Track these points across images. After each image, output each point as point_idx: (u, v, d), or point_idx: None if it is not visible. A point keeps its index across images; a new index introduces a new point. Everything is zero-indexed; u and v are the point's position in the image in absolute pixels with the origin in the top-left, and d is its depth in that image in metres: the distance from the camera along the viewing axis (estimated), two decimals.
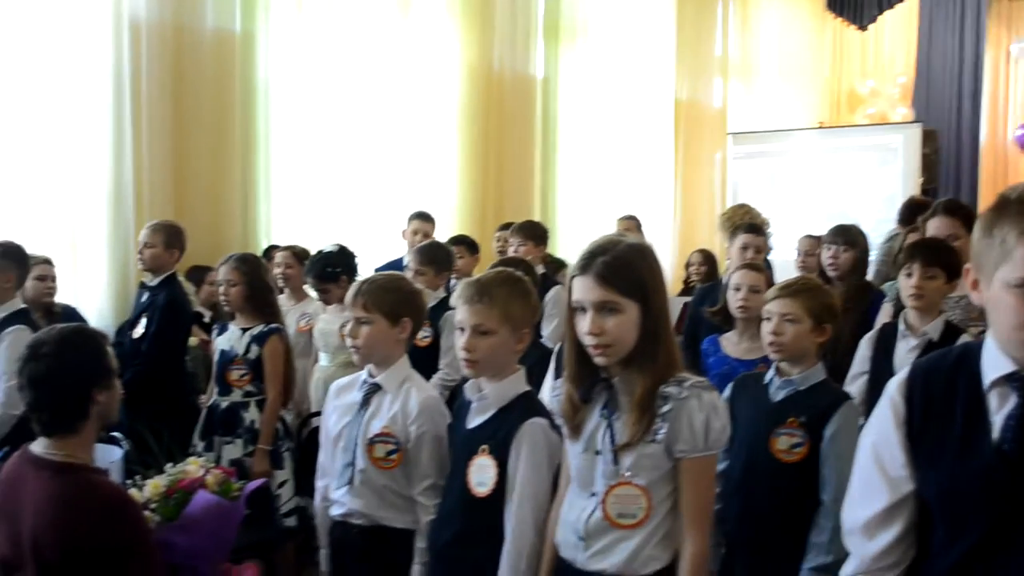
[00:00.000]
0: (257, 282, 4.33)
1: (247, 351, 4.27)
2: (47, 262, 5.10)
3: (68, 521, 2.30)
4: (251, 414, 4.26)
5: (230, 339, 4.35)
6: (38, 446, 2.47)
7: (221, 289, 4.33)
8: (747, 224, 5.00)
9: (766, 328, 2.97)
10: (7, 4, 5.43)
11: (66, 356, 2.44)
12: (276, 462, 4.24)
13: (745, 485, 2.89)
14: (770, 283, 3.53)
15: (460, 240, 6.06)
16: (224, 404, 4.29)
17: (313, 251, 5.35)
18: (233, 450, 4.18)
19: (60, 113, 5.74)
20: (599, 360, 2.11)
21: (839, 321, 3.01)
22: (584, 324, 2.09)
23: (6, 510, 2.45)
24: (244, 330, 4.32)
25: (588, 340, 2.09)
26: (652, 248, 2.21)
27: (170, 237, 4.93)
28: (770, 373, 2.95)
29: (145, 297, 4.93)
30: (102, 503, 2.34)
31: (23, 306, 4.21)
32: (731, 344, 3.74)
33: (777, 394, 2.89)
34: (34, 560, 2.34)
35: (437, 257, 4.90)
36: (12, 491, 2.45)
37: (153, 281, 4.92)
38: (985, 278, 1.66)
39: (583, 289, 2.10)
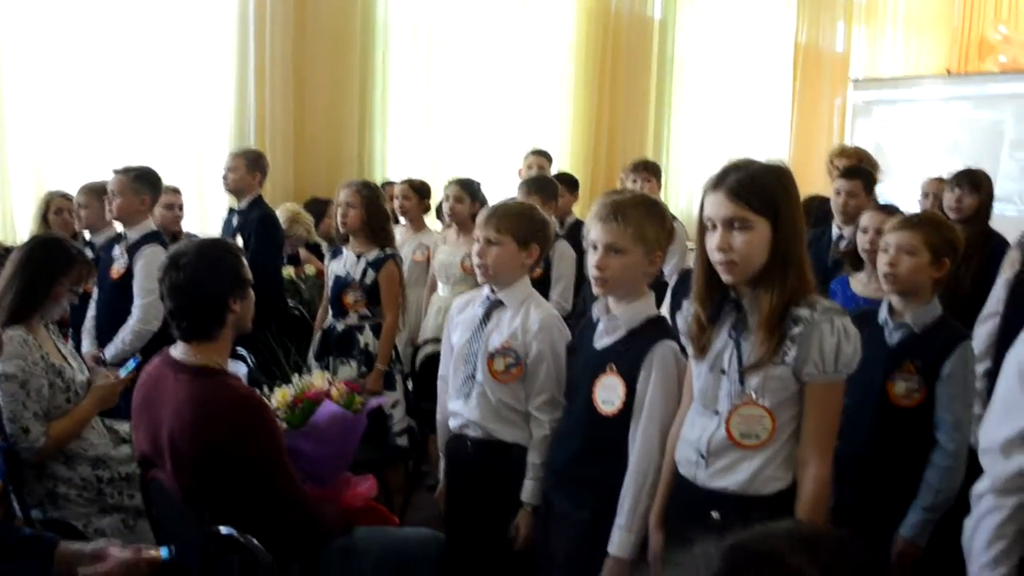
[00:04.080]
0: (376, 208, 4.39)
1: (363, 276, 4.35)
2: (175, 191, 5.32)
3: (205, 421, 2.42)
4: (365, 337, 4.36)
5: (345, 264, 4.43)
6: (177, 351, 2.60)
7: (340, 211, 4.39)
8: (843, 168, 4.89)
9: (882, 260, 2.89)
10: None
11: (204, 266, 2.55)
12: (388, 383, 4.34)
13: (860, 425, 2.86)
14: None
15: (561, 178, 6.07)
16: (340, 327, 4.40)
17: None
18: (348, 371, 4.28)
19: (186, 49, 5.95)
20: (725, 278, 2.09)
21: (958, 257, 2.92)
22: (713, 240, 2.08)
23: (147, 410, 2.60)
24: (359, 256, 4.39)
25: (715, 256, 2.07)
26: (790, 170, 2.16)
27: (251, 161, 5.11)
28: (883, 313, 2.88)
29: (236, 220, 5.11)
30: (237, 405, 2.45)
31: (155, 228, 4.38)
32: (860, 284, 3.66)
33: (892, 336, 2.83)
34: (171, 458, 2.47)
35: (543, 187, 4.95)
36: (153, 392, 2.59)
37: (242, 204, 5.10)
38: None
39: (714, 204, 2.08)
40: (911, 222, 2.94)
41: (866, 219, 3.63)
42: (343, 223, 4.38)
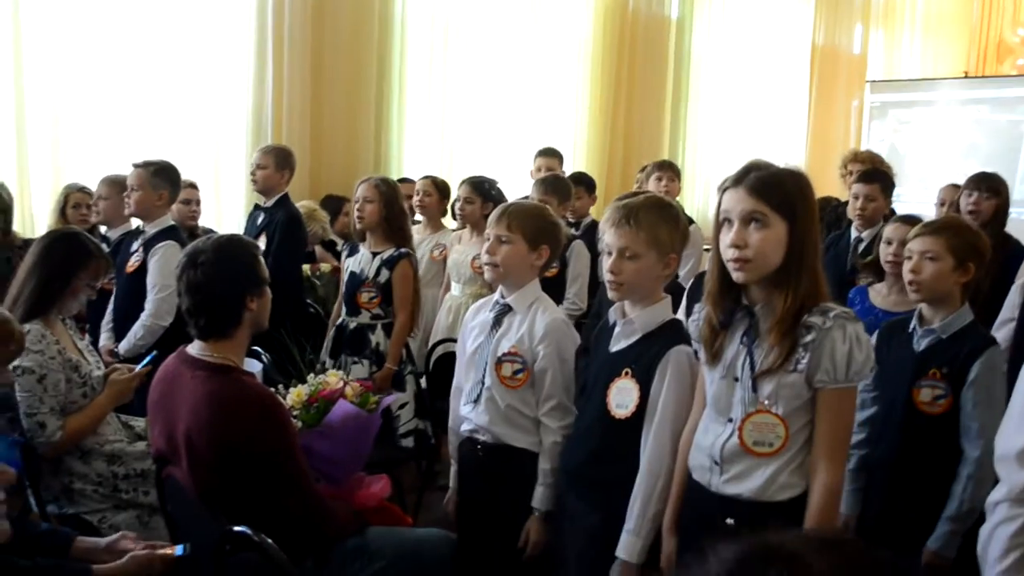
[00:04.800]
0: (394, 204, 4.38)
1: (377, 274, 4.33)
2: (192, 186, 5.33)
3: (221, 419, 2.43)
4: (377, 336, 4.35)
5: (360, 262, 4.41)
6: (194, 348, 2.61)
7: (357, 207, 4.37)
8: (860, 172, 4.87)
9: (906, 267, 2.88)
10: None
11: (222, 264, 2.56)
12: (398, 384, 4.32)
13: (887, 433, 2.84)
14: None
15: (578, 179, 6.07)
16: (353, 325, 4.39)
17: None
18: (360, 370, 4.26)
19: (204, 45, 5.97)
20: (737, 276, 2.08)
21: (985, 262, 2.88)
22: (728, 237, 2.07)
23: (163, 407, 2.62)
24: (375, 254, 4.38)
25: (729, 254, 2.07)
26: (808, 176, 2.16)
27: (281, 159, 5.08)
28: (913, 321, 2.87)
29: (262, 218, 5.09)
30: (253, 403, 2.46)
31: (173, 223, 4.40)
32: (879, 296, 3.62)
33: (920, 343, 2.81)
34: (187, 455, 2.48)
35: (559, 187, 4.95)
36: (169, 389, 2.60)
37: (268, 202, 5.09)
38: None
39: (733, 200, 2.07)
40: (932, 227, 2.92)
41: (890, 231, 3.59)
42: (360, 219, 4.36)
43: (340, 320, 4.48)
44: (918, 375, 2.76)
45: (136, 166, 4.32)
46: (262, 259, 2.69)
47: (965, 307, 2.82)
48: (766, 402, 2.10)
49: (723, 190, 2.12)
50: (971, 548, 1.95)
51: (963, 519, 2.64)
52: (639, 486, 2.43)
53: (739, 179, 2.08)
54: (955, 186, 5.60)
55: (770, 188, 2.04)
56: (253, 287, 2.60)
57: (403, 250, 4.37)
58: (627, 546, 2.42)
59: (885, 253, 3.57)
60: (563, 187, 5.02)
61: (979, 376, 2.68)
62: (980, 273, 2.86)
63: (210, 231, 5.46)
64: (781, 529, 0.91)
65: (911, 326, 2.87)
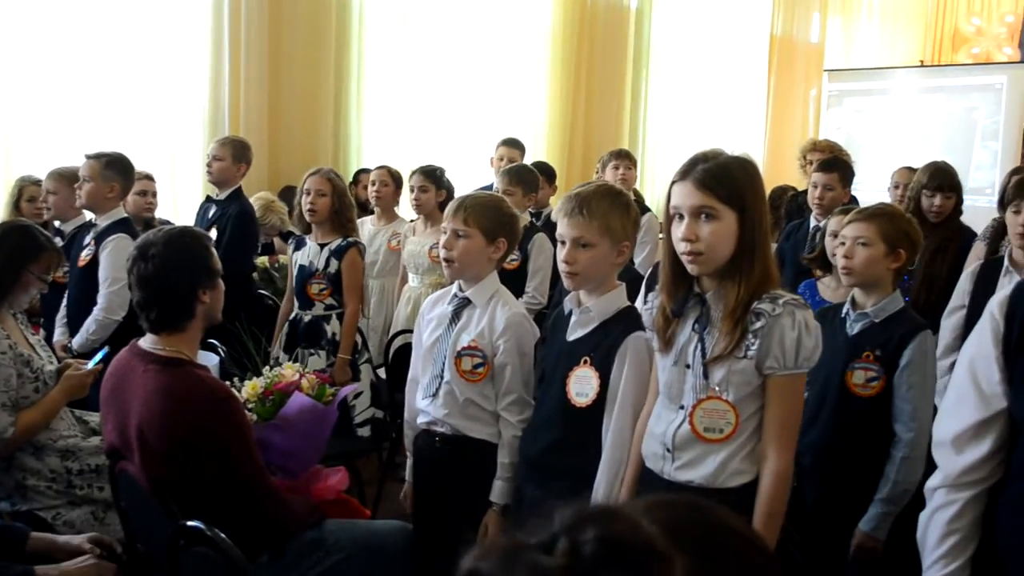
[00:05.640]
0: (344, 197, 4.40)
1: (327, 265, 4.34)
2: (148, 178, 5.25)
3: (173, 412, 2.41)
4: (333, 327, 4.36)
5: (309, 254, 4.42)
6: (146, 342, 2.59)
7: (308, 199, 4.36)
8: (819, 161, 4.92)
9: (839, 252, 2.92)
10: None
11: (173, 256, 2.54)
12: (352, 373, 4.32)
13: (820, 417, 2.88)
14: None
15: (539, 169, 6.06)
16: (307, 318, 4.40)
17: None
18: (317, 361, 4.27)
19: (160, 36, 5.90)
20: (692, 268, 2.10)
21: (917, 249, 2.94)
22: (679, 230, 2.08)
23: (115, 401, 2.59)
24: (323, 245, 4.39)
25: (682, 247, 2.08)
26: (756, 164, 2.18)
27: (238, 151, 5.04)
28: (846, 305, 2.91)
29: (214, 211, 5.05)
30: (205, 396, 2.45)
31: (125, 215, 4.34)
32: (828, 288, 3.64)
33: (853, 327, 2.86)
34: (140, 449, 2.46)
35: (525, 178, 4.96)
36: (121, 383, 2.58)
37: (221, 195, 5.05)
38: None
39: (681, 194, 2.08)
40: (865, 214, 2.96)
41: (835, 223, 3.63)
42: (311, 211, 4.36)
43: (294, 314, 4.47)
44: (851, 358, 2.80)
45: (88, 157, 4.26)
46: (215, 251, 2.66)
47: (896, 293, 2.87)
48: (716, 388, 2.12)
49: (672, 183, 2.13)
50: (903, 529, 1.98)
51: (896, 500, 2.68)
52: (603, 473, 2.44)
53: (686, 172, 2.09)
54: (910, 169, 5.66)
55: (718, 181, 2.05)
56: (206, 279, 2.58)
57: (350, 239, 4.38)
58: None
59: (832, 246, 3.60)
60: (529, 177, 5.02)
61: (912, 360, 2.73)
62: (912, 260, 2.92)
63: (166, 223, 5.41)
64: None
65: (844, 311, 2.91)
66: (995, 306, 1.79)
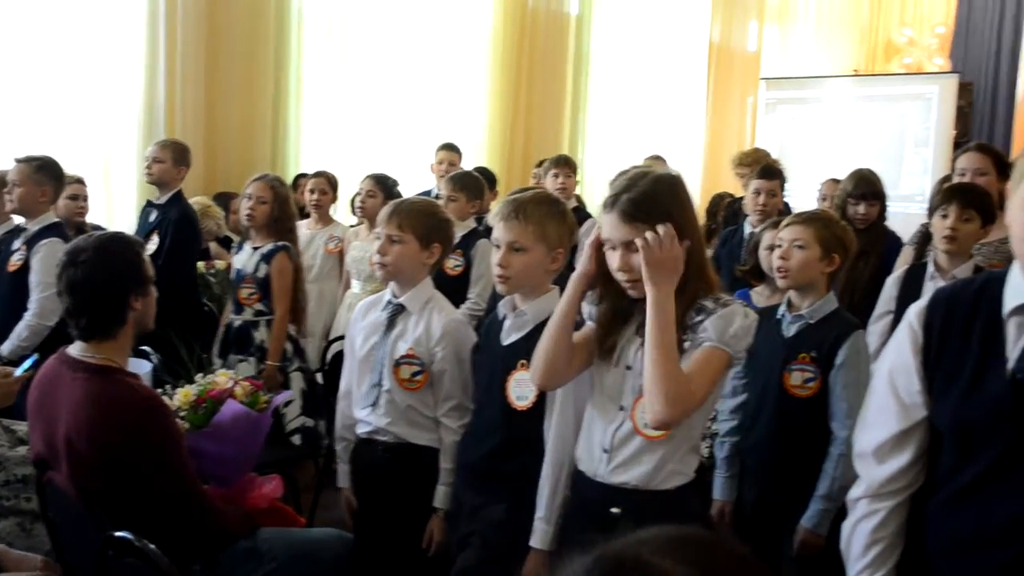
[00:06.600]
0: (286, 204, 4.36)
1: (256, 269, 4.29)
2: (80, 182, 5.16)
3: (102, 420, 2.36)
4: (261, 333, 4.30)
5: (243, 258, 4.39)
6: (75, 349, 2.54)
7: (248, 204, 4.31)
8: (760, 168, 4.99)
9: (775, 255, 3.00)
10: None
11: (104, 263, 2.49)
12: (281, 380, 4.26)
13: (760, 419, 2.95)
14: None
15: (481, 174, 6.07)
16: (238, 323, 4.35)
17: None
18: (247, 368, 4.19)
19: (94, 37, 5.79)
20: (632, 293, 2.13)
21: (849, 254, 3.02)
22: (614, 261, 2.11)
23: (43, 409, 2.54)
24: (255, 249, 4.34)
25: (619, 276, 2.12)
26: (679, 177, 2.21)
27: (178, 154, 4.98)
28: (782, 308, 2.98)
29: (155, 215, 4.97)
30: (136, 404, 2.40)
31: (57, 220, 4.27)
32: (762, 298, 3.69)
33: (789, 329, 2.93)
34: (68, 459, 2.42)
35: (469, 184, 4.96)
36: (49, 391, 2.53)
37: (162, 198, 4.97)
38: (1011, 206, 1.67)
39: (609, 227, 2.11)
40: (802, 218, 3.04)
41: (768, 236, 3.68)
42: (250, 217, 4.31)
43: (228, 319, 4.42)
44: (788, 360, 2.87)
45: (18, 161, 4.18)
46: (147, 257, 2.62)
47: (830, 294, 2.96)
48: None
49: (602, 210, 2.15)
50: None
51: (835, 497, 2.73)
52: (546, 474, 2.44)
53: (612, 203, 2.11)
54: (835, 181, 5.78)
55: (643, 210, 2.07)
56: (137, 286, 2.54)
57: (281, 243, 4.32)
58: (540, 534, 2.43)
59: (766, 257, 3.66)
60: (472, 183, 5.02)
61: (846, 359, 2.80)
62: (845, 264, 3.00)
63: (98, 228, 5.32)
64: (637, 532, 0.92)
65: (779, 313, 2.98)
66: (913, 316, 1.81)
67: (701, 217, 8.91)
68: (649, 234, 2.03)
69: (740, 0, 10.83)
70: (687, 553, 0.86)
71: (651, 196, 2.08)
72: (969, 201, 3.46)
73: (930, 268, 3.55)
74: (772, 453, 2.91)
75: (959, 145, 9.44)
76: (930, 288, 3.43)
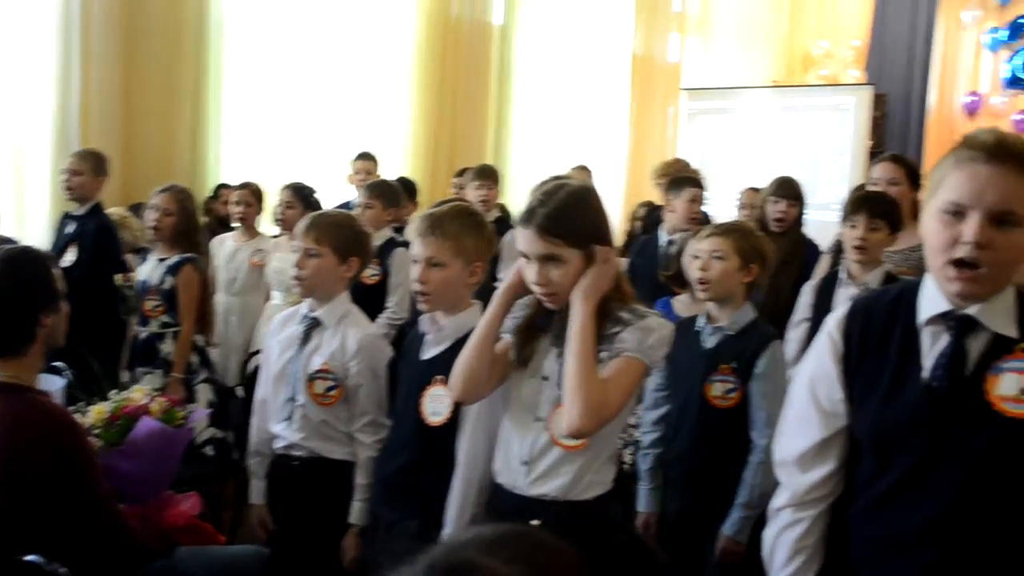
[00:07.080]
0: (192, 216, 4.32)
1: (161, 281, 4.22)
2: None
3: (12, 440, 2.30)
4: (167, 345, 4.22)
5: (147, 269, 4.32)
6: None
7: (154, 216, 4.24)
8: (694, 178, 5.07)
9: (695, 266, 3.04)
10: None
11: (11, 279, 2.43)
12: (186, 393, 4.15)
13: (682, 430, 2.98)
14: None
15: (402, 184, 6.04)
16: (143, 335, 4.27)
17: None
18: (153, 380, 4.09)
19: (3, 40, 5.61)
20: (549, 305, 2.16)
21: (768, 264, 3.09)
22: (531, 274, 2.13)
23: None
24: (161, 260, 4.27)
25: (536, 289, 2.14)
26: (592, 189, 2.24)
27: (97, 164, 4.88)
28: (701, 320, 3.02)
29: (72, 227, 4.86)
30: (47, 423, 2.34)
31: None
32: (683, 306, 3.72)
33: (709, 341, 2.97)
34: None
35: (385, 192, 4.94)
36: None
37: (80, 210, 4.87)
38: (925, 217, 1.72)
39: (526, 241, 2.13)
40: (721, 229, 3.10)
41: (692, 245, 3.73)
42: (155, 229, 4.25)
43: (134, 331, 4.34)
44: (709, 371, 2.91)
45: None
46: (58, 272, 2.55)
47: (747, 305, 3.01)
48: None
49: (519, 224, 2.16)
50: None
51: (755, 504, 2.78)
52: (455, 490, 2.44)
53: (528, 219, 2.12)
54: (754, 190, 5.90)
55: (559, 225, 2.09)
56: (47, 302, 2.47)
57: (187, 255, 4.25)
58: None
59: (694, 266, 3.70)
60: (389, 191, 5.00)
61: (765, 369, 2.86)
62: (763, 275, 3.06)
63: (9, 240, 5.17)
64: (458, 534, 0.98)
65: (698, 325, 3.02)
66: (832, 326, 1.85)
67: (624, 224, 9.02)
68: (598, 259, 2.08)
69: (662, 11, 10.95)
70: (513, 551, 0.89)
71: (565, 213, 2.10)
72: (877, 211, 3.54)
73: (842, 275, 3.63)
74: (695, 463, 2.95)
75: (875, 155, 9.72)
76: (842, 295, 3.52)
